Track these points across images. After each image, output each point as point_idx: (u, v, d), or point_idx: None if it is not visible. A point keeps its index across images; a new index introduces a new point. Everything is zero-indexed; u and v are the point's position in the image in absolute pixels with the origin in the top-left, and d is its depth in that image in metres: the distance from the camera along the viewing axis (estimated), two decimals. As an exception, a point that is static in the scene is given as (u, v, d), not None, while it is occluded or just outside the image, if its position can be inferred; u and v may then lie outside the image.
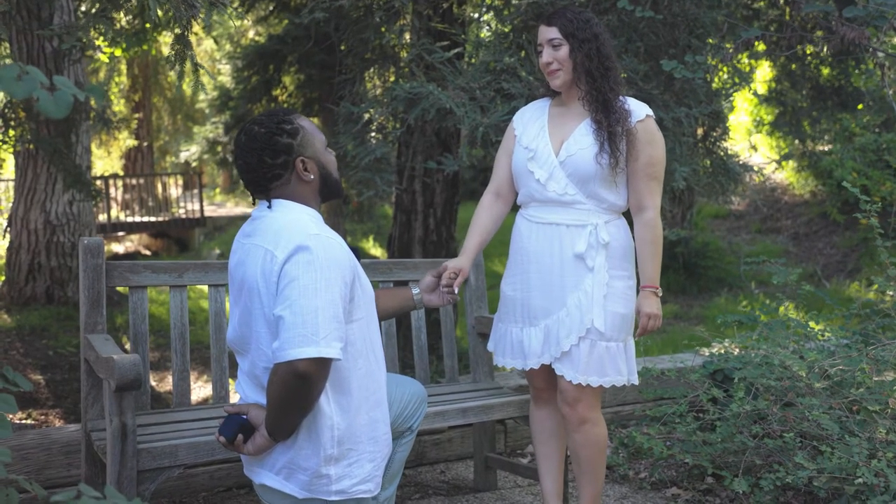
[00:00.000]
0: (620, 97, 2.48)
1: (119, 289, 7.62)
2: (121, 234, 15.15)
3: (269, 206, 2.04)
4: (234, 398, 2.79)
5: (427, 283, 2.47)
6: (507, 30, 4.57)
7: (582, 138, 2.47)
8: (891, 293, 3.47)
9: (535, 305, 2.54)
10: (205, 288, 8.41)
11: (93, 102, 7.09)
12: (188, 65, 2.59)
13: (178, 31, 2.48)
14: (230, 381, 4.38)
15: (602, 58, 2.46)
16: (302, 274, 1.86)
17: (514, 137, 2.62)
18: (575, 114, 2.52)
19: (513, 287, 2.61)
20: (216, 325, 2.88)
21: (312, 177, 2.05)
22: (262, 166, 2.02)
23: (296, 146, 2.04)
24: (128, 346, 7.11)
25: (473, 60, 4.53)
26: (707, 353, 4.35)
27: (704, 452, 3.02)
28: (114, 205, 15.01)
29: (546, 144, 2.52)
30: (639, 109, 2.49)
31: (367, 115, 4.62)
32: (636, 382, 2.54)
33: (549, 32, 2.48)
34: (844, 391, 2.73)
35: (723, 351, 3.80)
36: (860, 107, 9.61)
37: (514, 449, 3.74)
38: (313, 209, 2.07)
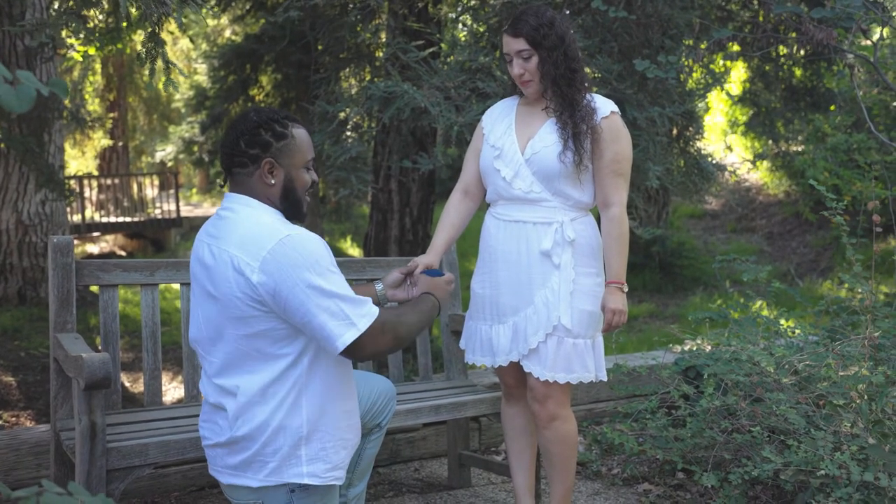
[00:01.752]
0: (587, 95, 2.50)
1: (92, 288, 7.55)
2: (95, 234, 15.00)
3: (223, 184, 2.06)
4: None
5: (393, 279, 2.46)
6: (481, 29, 4.59)
7: (547, 136, 2.49)
8: (859, 290, 3.52)
9: (504, 303, 2.55)
10: (179, 288, 8.33)
11: (67, 103, 7.03)
12: (160, 63, 2.58)
13: (149, 28, 2.47)
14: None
15: (569, 60, 2.47)
16: (292, 280, 1.88)
17: (483, 136, 2.63)
18: (541, 112, 2.54)
19: (482, 285, 2.62)
20: (188, 323, 2.87)
21: (274, 182, 2.03)
22: (234, 147, 2.02)
23: (273, 148, 2.02)
24: (100, 340, 7.04)
25: (450, 59, 4.54)
26: (679, 350, 4.40)
27: (675, 448, 3.05)
28: (88, 205, 14.86)
29: (513, 143, 2.53)
30: (604, 106, 2.50)
31: (342, 115, 4.62)
32: (604, 379, 2.56)
33: (516, 44, 2.46)
34: (811, 386, 2.77)
35: (694, 348, 3.84)
36: (832, 108, 9.74)
37: (488, 446, 3.76)
38: (272, 209, 2.04)
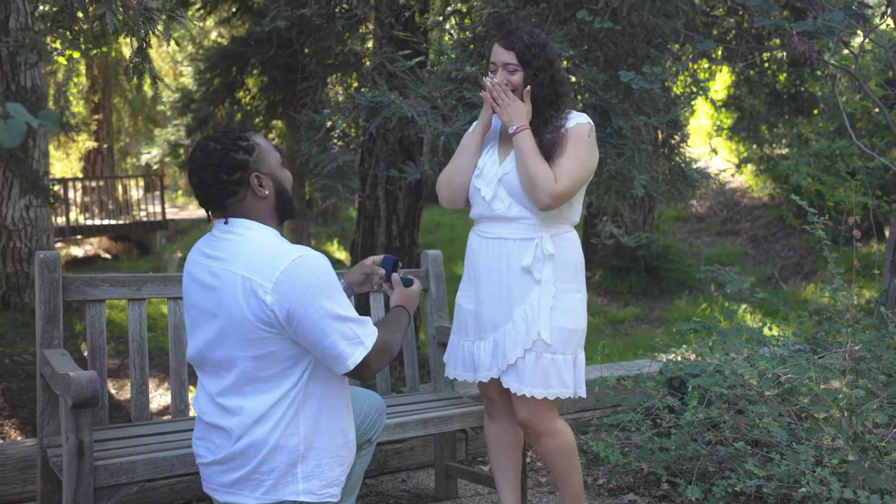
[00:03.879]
0: (565, 114, 2.52)
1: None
2: (79, 237, 14.92)
3: (226, 223, 2.06)
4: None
5: (357, 279, 2.45)
6: (468, 36, 4.60)
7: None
8: (842, 296, 3.55)
9: (485, 318, 2.57)
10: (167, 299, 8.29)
11: (51, 105, 6.99)
12: (147, 77, 2.58)
13: (136, 44, 2.47)
14: (191, 388, 4.34)
15: (556, 84, 2.50)
16: (306, 300, 1.92)
17: None
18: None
19: (466, 300, 2.65)
20: (175, 337, 2.87)
21: (267, 192, 2.07)
22: (217, 182, 2.03)
23: (251, 162, 2.05)
24: (86, 354, 6.99)
25: (436, 68, 4.56)
26: (664, 359, 4.43)
27: (659, 459, 3.08)
28: (73, 208, 14.77)
29: (493, 163, 2.57)
30: (575, 118, 2.53)
31: (329, 123, 4.63)
32: (583, 396, 2.56)
33: (505, 56, 2.49)
34: (794, 398, 2.81)
35: (679, 358, 3.87)
36: (815, 112, 9.82)
37: (474, 456, 3.78)
38: (273, 228, 2.08)
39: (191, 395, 4.08)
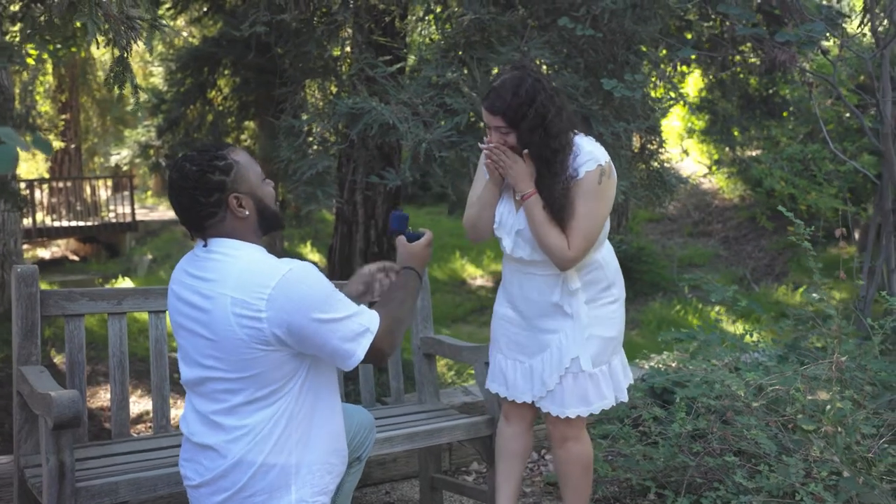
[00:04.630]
0: (575, 147, 2.44)
1: (44, 285, 7.33)
2: (46, 239, 14.65)
3: (206, 245, 2.01)
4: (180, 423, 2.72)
5: (356, 290, 2.39)
6: (449, 42, 4.57)
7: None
8: (820, 298, 3.57)
9: (521, 343, 2.61)
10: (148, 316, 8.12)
11: (17, 105, 6.84)
12: (128, 87, 2.52)
13: (117, 52, 2.40)
14: (172, 397, 4.23)
15: (549, 139, 2.39)
16: (302, 312, 1.90)
17: (486, 179, 2.60)
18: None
19: (504, 308, 2.66)
20: (157, 352, 2.81)
21: (248, 213, 2.02)
22: (195, 205, 1.98)
23: (229, 183, 1.99)
24: (57, 360, 6.83)
25: (417, 75, 4.52)
26: (646, 367, 4.44)
27: (646, 469, 3.07)
28: (39, 209, 14.50)
29: (511, 212, 2.54)
30: (581, 169, 2.41)
31: (307, 128, 4.58)
32: (625, 400, 2.62)
33: (493, 120, 2.42)
34: (780, 409, 2.82)
35: (660, 366, 3.88)
36: (785, 114, 9.94)
37: (458, 466, 3.75)
38: (256, 245, 2.04)
39: (173, 411, 4.01)
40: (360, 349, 1.97)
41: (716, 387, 2.79)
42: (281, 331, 1.90)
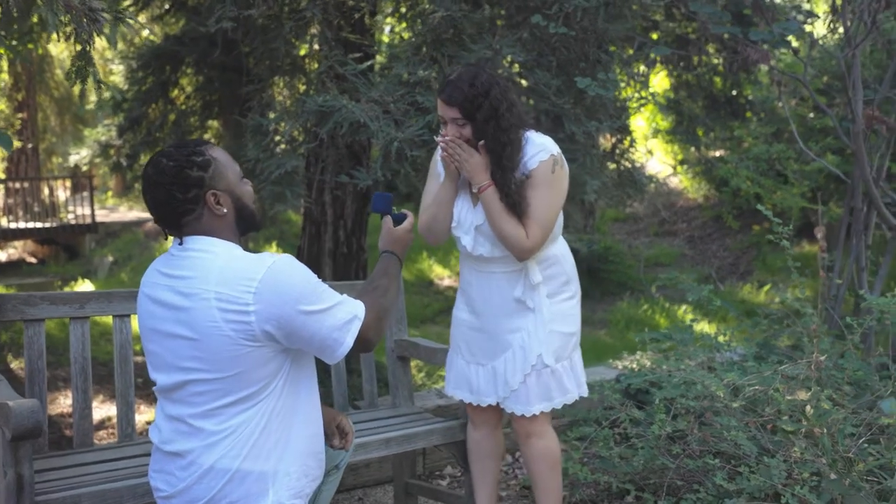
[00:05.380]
0: (525, 141, 2.47)
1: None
2: (1, 241, 14.28)
3: (181, 244, 1.94)
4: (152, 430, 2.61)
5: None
6: (415, 39, 4.50)
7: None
8: (796, 295, 3.57)
9: (482, 345, 2.60)
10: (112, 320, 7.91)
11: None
12: (90, 82, 2.41)
13: (79, 46, 2.30)
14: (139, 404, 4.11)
15: (501, 132, 2.42)
16: (290, 304, 1.85)
17: (439, 175, 2.62)
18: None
19: (464, 314, 2.66)
20: (122, 357, 2.71)
21: (226, 210, 1.97)
22: (171, 201, 1.92)
23: (207, 179, 1.94)
24: (14, 364, 6.63)
25: (387, 72, 4.45)
26: (619, 366, 4.42)
27: (624, 472, 3.03)
28: (-5, 210, 14.15)
29: (469, 210, 2.54)
30: (533, 160, 2.46)
31: (275, 127, 4.48)
32: (586, 395, 2.63)
33: (450, 112, 2.45)
34: (758, 409, 2.80)
35: (635, 365, 3.85)
36: (748, 115, 10.05)
37: (432, 470, 3.69)
38: (234, 244, 1.97)
39: (138, 417, 3.89)
40: (350, 337, 1.94)
41: (697, 387, 2.76)
42: (270, 324, 1.85)
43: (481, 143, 2.44)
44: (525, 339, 2.51)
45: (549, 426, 2.61)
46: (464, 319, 2.66)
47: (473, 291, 2.60)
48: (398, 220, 2.26)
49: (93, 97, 10.97)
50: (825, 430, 2.36)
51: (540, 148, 2.47)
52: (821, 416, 2.39)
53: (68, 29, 2.22)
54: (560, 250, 2.60)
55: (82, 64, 2.32)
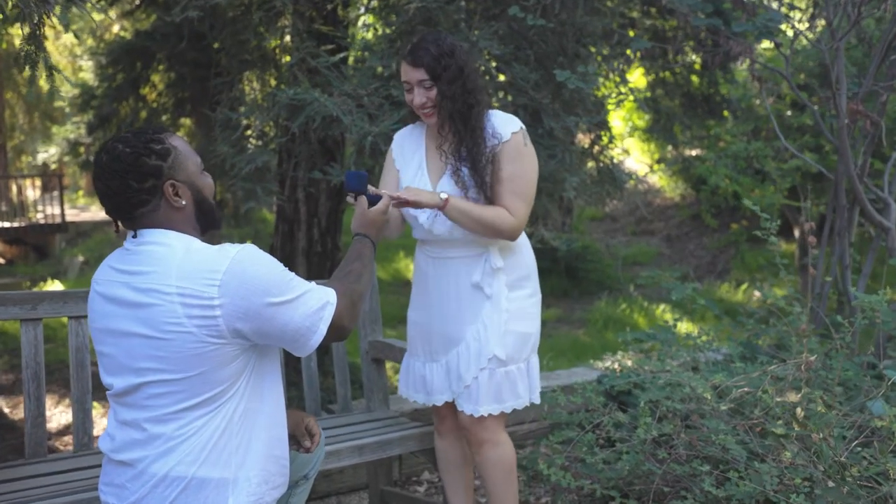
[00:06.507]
0: (486, 124, 2.40)
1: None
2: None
3: (135, 236, 1.80)
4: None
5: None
6: (389, 31, 4.38)
7: (447, 183, 2.42)
8: (782, 293, 3.49)
9: (437, 339, 2.50)
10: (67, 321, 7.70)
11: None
12: (41, 67, 2.26)
13: (27, 29, 2.15)
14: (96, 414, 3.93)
15: (466, 94, 2.37)
16: (258, 295, 1.74)
17: (397, 171, 2.54)
18: (443, 149, 2.46)
19: (417, 314, 2.57)
20: (78, 361, 2.56)
21: (185, 203, 1.84)
22: (126, 190, 1.78)
23: (166, 169, 1.81)
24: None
25: (360, 66, 4.32)
26: (601, 367, 4.32)
27: (607, 478, 2.93)
28: (-39, 210, 13.83)
29: (426, 185, 2.45)
30: (504, 129, 2.41)
31: (247, 121, 4.33)
32: (537, 402, 2.52)
33: (417, 73, 2.37)
34: (746, 411, 2.71)
35: (617, 366, 3.76)
36: (725, 113, 10.05)
37: (409, 476, 3.56)
38: (193, 237, 1.83)
39: (95, 427, 3.72)
40: (323, 325, 1.84)
41: (683, 389, 2.66)
42: (237, 318, 1.73)
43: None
44: (480, 332, 2.41)
45: (504, 433, 2.51)
46: (416, 319, 2.58)
47: (429, 282, 2.51)
48: (373, 200, 2.16)
49: (63, 92, 10.72)
50: (821, 435, 2.26)
51: (509, 120, 2.42)
52: (815, 420, 2.29)
53: (15, 11, 2.07)
54: (520, 240, 2.53)
55: (31, 48, 2.17)
